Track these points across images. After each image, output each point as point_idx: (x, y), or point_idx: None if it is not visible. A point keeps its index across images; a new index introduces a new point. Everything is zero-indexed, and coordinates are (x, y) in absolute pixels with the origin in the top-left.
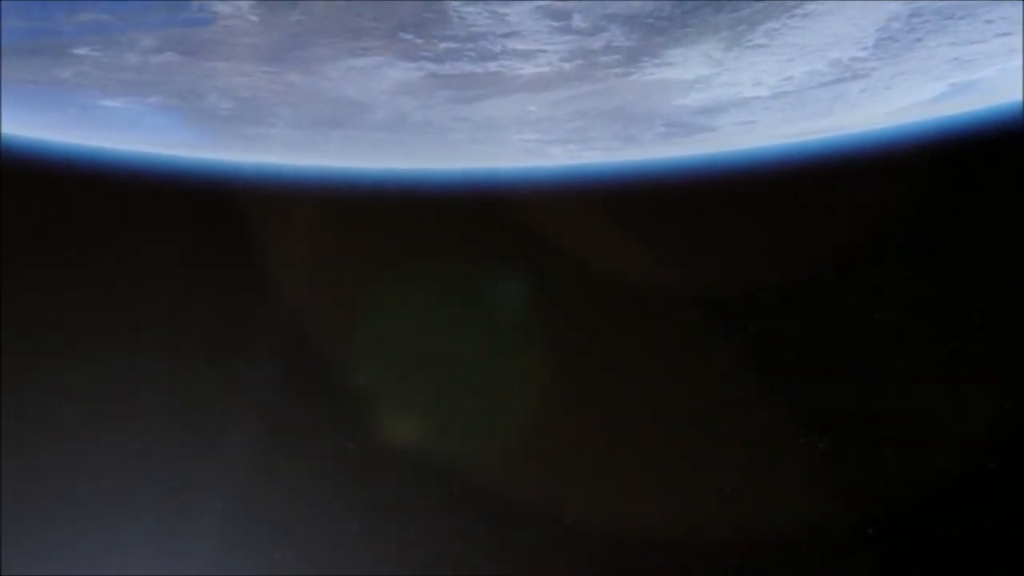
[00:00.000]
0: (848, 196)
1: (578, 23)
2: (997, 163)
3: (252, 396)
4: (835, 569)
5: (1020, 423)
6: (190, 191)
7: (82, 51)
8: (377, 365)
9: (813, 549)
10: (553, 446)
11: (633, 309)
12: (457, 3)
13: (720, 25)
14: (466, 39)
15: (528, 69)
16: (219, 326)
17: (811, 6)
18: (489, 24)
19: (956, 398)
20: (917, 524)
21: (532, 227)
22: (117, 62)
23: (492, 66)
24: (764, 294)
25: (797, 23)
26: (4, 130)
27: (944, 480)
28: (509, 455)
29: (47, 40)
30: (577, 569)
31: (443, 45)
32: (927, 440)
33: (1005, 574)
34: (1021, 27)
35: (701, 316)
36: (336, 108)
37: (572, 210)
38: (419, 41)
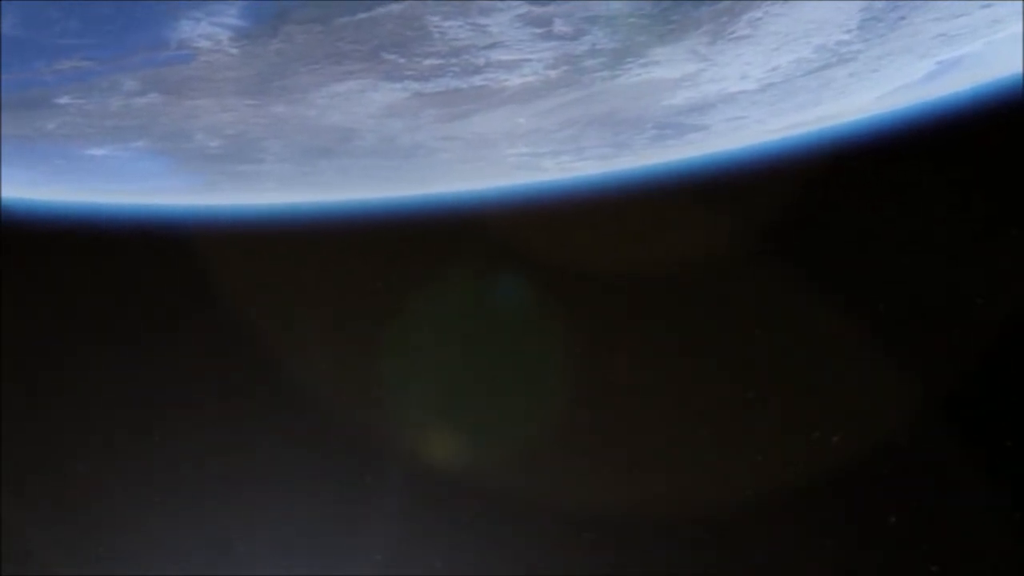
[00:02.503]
0: (845, 187)
1: (560, 28)
2: (993, 141)
3: (263, 427)
4: (851, 563)
5: None
6: (187, 240)
7: (64, 100)
8: (392, 392)
9: (834, 544)
10: (563, 460)
11: (637, 316)
12: (437, 18)
13: (702, 19)
14: (449, 54)
15: (514, 80)
16: (225, 367)
17: None
18: (471, 37)
19: (964, 386)
20: (930, 518)
21: (532, 245)
22: (100, 108)
23: (477, 80)
24: (769, 294)
25: (779, 10)
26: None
27: (958, 467)
28: (532, 483)
29: (29, 92)
30: None
31: (426, 62)
32: (938, 427)
33: None
34: None
35: (705, 319)
36: (324, 137)
37: (570, 224)
38: (402, 60)
